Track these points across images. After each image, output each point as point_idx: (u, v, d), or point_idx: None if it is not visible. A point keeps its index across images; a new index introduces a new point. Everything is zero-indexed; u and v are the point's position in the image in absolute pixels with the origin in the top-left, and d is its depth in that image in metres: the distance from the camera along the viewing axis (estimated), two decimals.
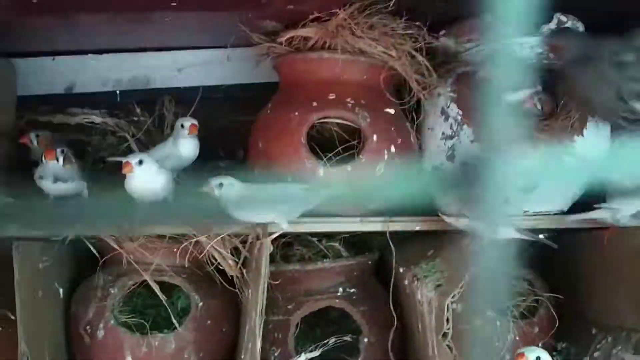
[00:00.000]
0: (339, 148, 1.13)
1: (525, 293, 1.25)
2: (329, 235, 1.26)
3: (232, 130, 1.32)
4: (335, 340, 1.17)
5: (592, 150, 1.14)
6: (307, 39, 1.16)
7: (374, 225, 1.18)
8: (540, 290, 1.26)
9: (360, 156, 1.11)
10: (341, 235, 1.25)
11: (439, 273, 1.08)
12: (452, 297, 1.00)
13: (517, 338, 1.21)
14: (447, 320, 0.99)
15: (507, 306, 1.22)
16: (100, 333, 1.10)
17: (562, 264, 1.32)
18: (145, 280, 1.13)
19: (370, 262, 1.28)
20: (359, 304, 1.21)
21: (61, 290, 1.15)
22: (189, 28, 1.20)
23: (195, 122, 1.14)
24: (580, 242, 1.29)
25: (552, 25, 1.19)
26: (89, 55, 1.32)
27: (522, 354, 0.98)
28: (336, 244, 1.25)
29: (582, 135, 1.13)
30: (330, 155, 1.11)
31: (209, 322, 1.15)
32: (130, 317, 1.12)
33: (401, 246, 1.22)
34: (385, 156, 1.12)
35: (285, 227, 1.06)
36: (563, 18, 1.19)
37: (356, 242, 1.29)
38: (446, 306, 1.00)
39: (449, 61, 1.22)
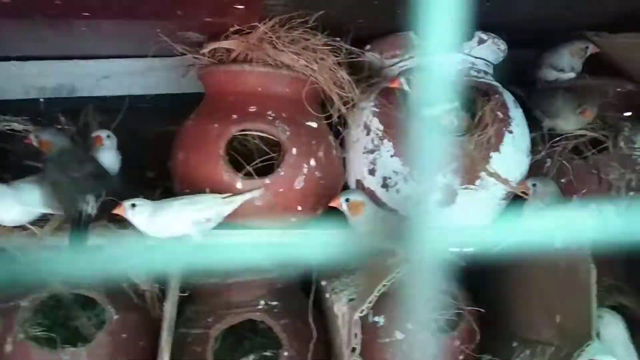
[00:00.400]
0: (258, 160, 1.13)
1: (447, 306, 1.26)
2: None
3: (160, 140, 1.31)
4: (255, 357, 1.17)
5: (508, 166, 1.16)
6: (230, 51, 1.16)
7: (295, 237, 1.18)
8: (462, 303, 1.27)
9: (279, 169, 1.11)
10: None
11: (353, 287, 1.08)
12: (361, 312, 1.00)
13: (437, 352, 1.22)
14: (356, 335, 1.00)
15: (429, 320, 1.23)
16: (9, 347, 1.07)
17: (486, 277, 1.34)
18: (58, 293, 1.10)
19: (294, 276, 1.28)
20: (280, 317, 1.20)
21: None
22: (110, 37, 1.18)
23: (101, 133, 1.13)
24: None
25: (474, 43, 1.22)
26: (12, 62, 1.29)
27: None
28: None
29: (499, 151, 1.15)
30: (248, 167, 1.11)
31: (124, 335, 1.13)
32: (41, 331, 1.09)
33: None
34: (305, 169, 1.12)
35: (199, 240, 1.05)
36: (484, 36, 1.21)
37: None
38: (354, 321, 1.00)
39: (373, 76, 1.23)
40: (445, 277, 1.30)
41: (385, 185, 1.16)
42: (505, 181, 1.13)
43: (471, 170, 1.13)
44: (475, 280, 1.31)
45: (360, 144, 1.19)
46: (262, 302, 1.22)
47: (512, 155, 1.17)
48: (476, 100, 1.18)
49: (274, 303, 1.22)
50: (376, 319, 1.23)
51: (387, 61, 1.22)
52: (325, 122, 1.21)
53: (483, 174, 1.13)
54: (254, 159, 1.16)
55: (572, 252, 1.04)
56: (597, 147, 1.24)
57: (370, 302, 0.99)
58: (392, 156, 1.15)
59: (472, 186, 1.14)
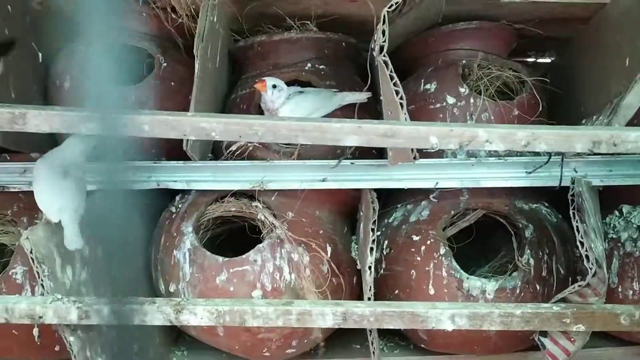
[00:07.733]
0: None
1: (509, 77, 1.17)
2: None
3: None
4: None
5: None
6: None
7: None
8: (525, 74, 1.17)
9: None
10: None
11: None
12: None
13: (492, 117, 1.13)
14: None
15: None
16: None
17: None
18: None
19: (343, 43, 1.24)
20: (327, 79, 1.17)
21: None
22: None
23: None
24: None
25: None
26: None
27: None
28: (308, 22, 1.21)
29: None
30: None
31: (172, 83, 1.16)
32: None
33: None
34: None
35: None
36: None
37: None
38: None
39: None
40: None
41: None
42: None
43: None
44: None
45: None
46: (309, 64, 1.19)
47: None
48: None
49: (322, 67, 1.19)
50: (427, 86, 1.17)
51: None
52: None
53: None
54: None
55: None
56: None
57: None
58: None
59: None
